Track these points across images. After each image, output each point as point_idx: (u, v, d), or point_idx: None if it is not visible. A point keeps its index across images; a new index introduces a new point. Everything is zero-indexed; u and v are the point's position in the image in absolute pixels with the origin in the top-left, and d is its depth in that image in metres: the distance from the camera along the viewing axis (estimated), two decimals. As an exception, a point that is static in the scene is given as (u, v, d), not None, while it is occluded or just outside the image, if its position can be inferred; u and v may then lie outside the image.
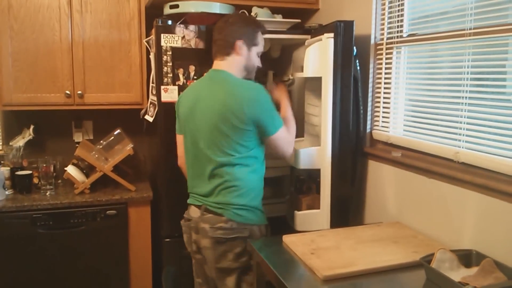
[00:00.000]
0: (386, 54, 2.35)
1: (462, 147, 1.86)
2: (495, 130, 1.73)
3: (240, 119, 1.92)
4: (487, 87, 1.79)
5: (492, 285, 1.45)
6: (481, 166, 1.76)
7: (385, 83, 2.38)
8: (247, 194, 2.01)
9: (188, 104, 2.08)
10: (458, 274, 1.54)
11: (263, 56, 2.23)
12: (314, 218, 2.31)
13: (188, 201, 2.13)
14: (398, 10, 2.27)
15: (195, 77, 2.40)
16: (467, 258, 1.64)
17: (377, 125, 2.44)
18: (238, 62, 2.08)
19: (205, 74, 2.21)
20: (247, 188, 2.01)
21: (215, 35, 2.10)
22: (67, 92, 2.73)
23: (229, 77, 2.04)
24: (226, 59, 2.07)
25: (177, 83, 2.40)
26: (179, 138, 2.19)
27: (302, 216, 2.35)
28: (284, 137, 2.03)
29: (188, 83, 2.39)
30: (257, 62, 2.14)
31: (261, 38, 2.14)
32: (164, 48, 2.36)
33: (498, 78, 1.75)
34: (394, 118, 2.34)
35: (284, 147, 2.05)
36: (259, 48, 2.13)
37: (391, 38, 2.31)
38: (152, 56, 2.54)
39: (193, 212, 2.07)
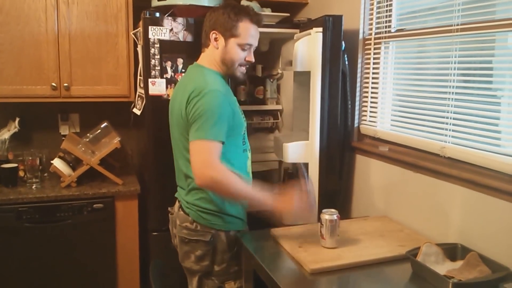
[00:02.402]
0: (374, 49, 2.36)
1: (449, 142, 1.88)
2: (481, 125, 1.75)
3: (185, 116, 1.80)
4: (474, 82, 1.80)
5: (476, 278, 1.47)
6: (467, 160, 1.78)
7: (373, 78, 2.39)
8: (212, 198, 1.88)
9: (171, 100, 2.03)
10: (443, 267, 1.56)
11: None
12: (302, 212, 2.32)
13: (175, 194, 2.12)
14: (387, 6, 2.28)
15: (183, 70, 2.39)
16: (452, 251, 1.67)
17: (365, 120, 2.45)
18: (213, 55, 1.90)
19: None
20: (213, 195, 1.88)
21: None
22: (53, 84, 2.70)
23: (195, 72, 1.91)
24: (205, 51, 1.94)
25: (165, 76, 2.38)
26: None
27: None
28: (198, 151, 1.75)
29: (176, 76, 2.38)
30: (237, 55, 1.88)
31: (244, 28, 1.87)
32: (151, 40, 2.34)
33: (485, 74, 1.77)
34: (381, 113, 2.35)
35: (194, 162, 1.75)
36: (240, 40, 1.86)
37: (379, 33, 2.32)
38: (139, 49, 2.52)
39: (175, 207, 2.06)
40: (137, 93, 2.63)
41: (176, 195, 2.10)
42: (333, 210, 1.77)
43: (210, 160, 1.73)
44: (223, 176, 1.73)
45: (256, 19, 1.91)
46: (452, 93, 1.87)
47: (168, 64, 2.38)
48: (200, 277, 1.96)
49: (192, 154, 1.77)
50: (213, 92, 1.78)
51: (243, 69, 1.95)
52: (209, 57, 1.92)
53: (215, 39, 1.88)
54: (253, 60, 1.95)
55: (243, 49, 1.90)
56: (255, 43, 1.94)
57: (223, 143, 1.77)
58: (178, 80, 2.37)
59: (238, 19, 1.86)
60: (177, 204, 2.06)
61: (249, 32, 1.88)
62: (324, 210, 1.77)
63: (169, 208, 2.13)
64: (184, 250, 1.96)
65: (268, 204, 1.80)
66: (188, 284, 2.06)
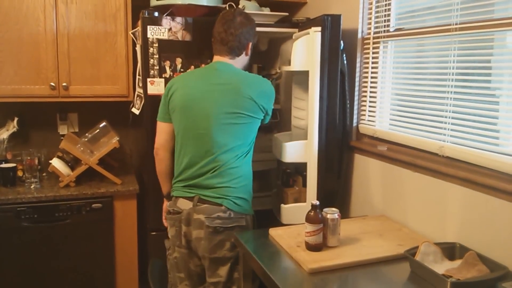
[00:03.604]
0: (373, 48, 2.36)
1: (447, 141, 1.88)
2: (480, 124, 1.75)
3: (254, 108, 2.02)
4: (472, 82, 1.80)
5: (475, 278, 1.47)
6: (465, 160, 1.78)
7: (371, 77, 2.39)
8: (246, 185, 2.08)
9: (193, 92, 2.04)
10: (442, 266, 1.56)
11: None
12: (300, 211, 2.31)
13: (174, 193, 2.12)
14: (385, 5, 2.27)
15: (181, 70, 2.39)
16: (451, 251, 1.67)
17: (364, 119, 2.45)
18: (245, 60, 2.16)
19: (205, 65, 2.26)
20: (246, 178, 2.08)
21: (223, 30, 2.05)
22: (52, 84, 2.69)
23: (239, 70, 2.12)
24: (235, 59, 2.11)
25: (163, 76, 2.38)
26: (162, 126, 2.16)
27: (288, 210, 2.35)
28: None
29: (174, 76, 2.38)
30: None
31: None
32: (150, 40, 2.34)
33: (483, 73, 1.77)
34: (380, 112, 2.35)
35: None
36: (251, 45, 2.18)
37: (378, 32, 2.32)
38: (138, 48, 2.52)
39: (183, 204, 2.06)
40: (136, 92, 2.63)
41: (177, 193, 2.09)
42: (334, 209, 1.78)
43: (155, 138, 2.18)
44: (155, 153, 2.19)
45: None
46: (451, 92, 1.87)
47: (167, 63, 2.38)
48: (232, 264, 2.03)
49: None
50: (270, 83, 2.15)
51: None
52: (240, 61, 2.14)
53: (250, 49, 2.15)
54: None
55: None
56: None
57: (166, 123, 2.14)
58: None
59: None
60: (185, 201, 2.06)
61: None
62: (325, 209, 1.77)
63: (170, 209, 2.12)
64: (218, 239, 2.00)
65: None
66: (210, 276, 2.06)
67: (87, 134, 2.85)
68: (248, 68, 2.92)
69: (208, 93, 2.02)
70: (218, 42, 2.07)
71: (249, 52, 2.15)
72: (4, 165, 2.69)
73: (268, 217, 2.47)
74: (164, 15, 2.37)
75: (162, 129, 2.17)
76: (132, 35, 2.66)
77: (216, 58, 2.11)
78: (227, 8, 2.51)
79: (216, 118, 2.00)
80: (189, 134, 2.06)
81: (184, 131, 2.07)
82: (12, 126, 2.86)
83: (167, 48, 2.37)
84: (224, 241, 2.00)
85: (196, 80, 2.10)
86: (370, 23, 2.37)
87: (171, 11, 2.48)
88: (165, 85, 2.36)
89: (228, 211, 2.00)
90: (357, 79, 2.45)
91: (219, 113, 2.00)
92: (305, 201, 2.33)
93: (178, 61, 2.39)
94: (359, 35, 2.42)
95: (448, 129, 1.88)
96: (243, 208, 2.05)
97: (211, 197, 2.00)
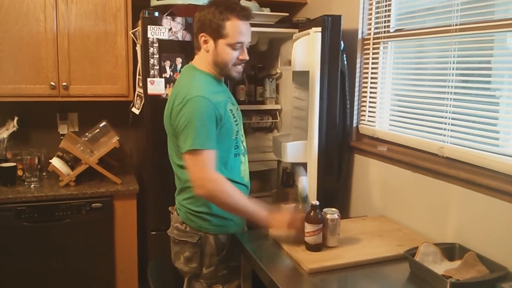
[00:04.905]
0: (373, 49, 2.36)
1: (447, 142, 1.88)
2: (480, 125, 1.75)
3: (172, 123, 1.80)
4: (472, 82, 1.80)
5: (474, 278, 1.47)
6: (465, 160, 1.78)
7: (371, 78, 2.39)
8: (198, 200, 1.84)
9: (167, 102, 1.95)
10: (441, 267, 1.57)
11: (252, 50, 2.21)
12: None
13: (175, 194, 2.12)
14: (386, 5, 2.28)
15: (181, 70, 2.39)
16: (450, 251, 1.67)
17: (364, 120, 2.45)
18: (205, 57, 1.84)
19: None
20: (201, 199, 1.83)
21: None
22: (52, 83, 2.69)
23: (185, 76, 1.88)
24: (198, 54, 1.88)
25: (163, 75, 2.38)
26: (214, 154, 1.82)
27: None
28: (192, 165, 1.75)
29: (175, 76, 2.38)
30: (228, 56, 1.80)
31: (232, 27, 1.77)
32: (150, 40, 2.34)
33: (483, 74, 1.77)
34: (380, 112, 2.35)
35: (191, 176, 1.75)
36: (229, 40, 1.78)
37: (378, 33, 2.32)
38: (138, 48, 2.52)
39: (175, 206, 2.07)
40: (136, 92, 2.63)
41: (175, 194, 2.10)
42: (333, 209, 1.78)
43: (204, 172, 1.73)
44: (220, 188, 1.74)
45: (244, 15, 1.79)
46: (451, 93, 1.87)
47: (167, 63, 2.38)
48: (189, 278, 1.95)
49: (188, 167, 1.76)
50: (195, 98, 1.72)
51: (239, 68, 1.87)
52: (202, 59, 1.86)
53: (205, 42, 1.81)
54: (247, 58, 1.85)
55: (235, 49, 1.81)
56: (246, 40, 1.84)
57: (215, 149, 1.75)
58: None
59: (224, 18, 1.76)
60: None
61: (238, 30, 1.78)
62: (325, 210, 1.77)
63: (169, 208, 2.13)
64: (175, 250, 1.96)
65: (261, 220, 1.80)
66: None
67: (87, 133, 2.85)
68: (248, 68, 2.93)
69: (167, 106, 1.93)
70: None
71: (208, 46, 1.80)
72: (4, 165, 2.69)
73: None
74: (165, 15, 2.38)
75: (214, 157, 1.77)
76: (132, 35, 2.66)
77: None
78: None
79: (166, 131, 1.95)
80: None
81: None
82: (12, 126, 2.86)
83: (167, 48, 2.37)
84: (178, 253, 1.94)
85: (215, 85, 1.90)
86: (370, 24, 2.38)
87: (172, 11, 2.48)
88: (165, 85, 2.36)
89: (184, 224, 1.90)
90: (357, 79, 2.45)
91: (166, 125, 1.92)
92: (305, 201, 2.33)
93: (178, 61, 2.39)
94: (359, 36, 2.42)
95: (448, 130, 1.88)
96: (197, 225, 1.87)
97: (177, 206, 1.97)
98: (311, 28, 2.25)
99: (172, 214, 2.06)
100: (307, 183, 1.81)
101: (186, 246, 1.90)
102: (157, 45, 2.35)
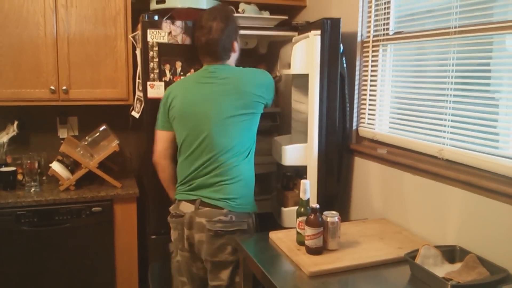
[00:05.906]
0: (373, 51, 2.36)
1: (447, 144, 1.88)
2: (479, 127, 1.75)
3: (255, 102, 2.05)
4: (472, 85, 1.80)
5: (475, 281, 1.47)
6: (465, 163, 1.78)
7: (371, 80, 2.39)
8: (247, 183, 2.08)
9: (193, 97, 2.06)
10: (442, 269, 1.56)
11: (251, 53, 2.23)
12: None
13: (177, 196, 2.12)
14: (385, 8, 2.28)
15: (181, 73, 2.39)
16: (451, 254, 1.67)
17: (363, 122, 2.45)
18: (234, 58, 2.16)
19: (194, 71, 2.24)
20: (247, 176, 2.08)
21: (205, 42, 2.06)
22: (52, 87, 2.70)
23: (234, 68, 2.14)
24: (230, 57, 2.13)
25: (163, 79, 2.38)
26: (162, 134, 2.17)
27: (289, 213, 2.35)
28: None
29: (174, 79, 2.38)
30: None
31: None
32: (150, 43, 2.34)
33: (483, 76, 1.77)
34: (380, 115, 2.35)
35: None
36: (238, 37, 2.19)
37: (378, 35, 2.33)
38: (138, 52, 2.52)
39: (185, 207, 2.06)
40: (136, 96, 2.63)
41: (180, 196, 2.09)
42: (334, 212, 1.78)
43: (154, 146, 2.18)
44: (155, 161, 2.19)
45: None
46: (450, 95, 1.87)
47: (167, 67, 2.38)
48: (234, 268, 2.02)
49: None
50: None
51: None
52: (232, 61, 2.16)
53: (236, 47, 2.14)
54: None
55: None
56: None
57: (166, 131, 2.15)
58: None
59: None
60: (187, 204, 2.06)
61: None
62: (325, 212, 1.77)
63: (172, 211, 2.12)
64: (219, 243, 2.00)
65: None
66: (211, 280, 2.07)
67: (87, 137, 2.85)
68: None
69: (208, 96, 2.03)
70: (205, 53, 2.10)
71: (237, 48, 2.15)
72: (4, 169, 2.69)
73: (268, 221, 2.47)
74: (164, 19, 2.38)
75: (162, 138, 2.17)
76: (132, 39, 2.66)
77: (208, 62, 2.13)
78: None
79: (217, 120, 2.01)
80: (192, 139, 2.06)
81: (187, 137, 2.07)
82: (12, 130, 2.86)
83: (167, 51, 2.37)
84: (225, 245, 2.00)
85: (194, 85, 2.11)
86: (369, 27, 2.38)
87: (171, 14, 2.48)
88: (165, 89, 2.36)
89: (230, 214, 2.00)
90: (356, 82, 2.45)
91: (220, 115, 2.01)
92: (305, 204, 2.32)
93: (178, 64, 2.39)
94: (359, 39, 2.42)
95: (448, 132, 1.88)
96: (244, 207, 2.05)
97: (213, 199, 2.00)
98: (310, 31, 2.25)
99: (182, 215, 2.06)
100: (309, 186, 1.82)
101: (234, 235, 2.00)
102: (156, 48, 2.35)
